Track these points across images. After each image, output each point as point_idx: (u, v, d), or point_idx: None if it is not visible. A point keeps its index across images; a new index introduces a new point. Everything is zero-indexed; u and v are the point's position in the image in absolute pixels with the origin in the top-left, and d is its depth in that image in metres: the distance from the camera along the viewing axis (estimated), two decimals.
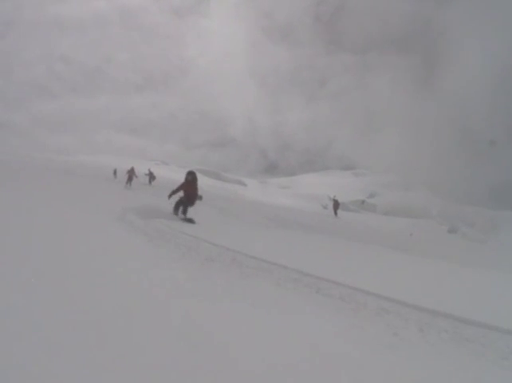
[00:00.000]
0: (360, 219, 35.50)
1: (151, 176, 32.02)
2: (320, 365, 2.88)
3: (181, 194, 12.87)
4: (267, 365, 2.80)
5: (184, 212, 12.64)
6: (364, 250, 11.16)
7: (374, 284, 5.57)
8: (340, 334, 3.61)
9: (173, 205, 12.96)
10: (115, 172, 31.52)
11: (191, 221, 12.10)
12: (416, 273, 7.66)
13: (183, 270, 5.47)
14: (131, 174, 27.49)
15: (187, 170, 13.70)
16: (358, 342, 3.43)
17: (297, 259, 7.35)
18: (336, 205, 33.24)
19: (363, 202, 48.93)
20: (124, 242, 7.25)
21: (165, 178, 40.37)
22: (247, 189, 51.59)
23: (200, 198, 20.71)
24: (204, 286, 4.79)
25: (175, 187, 13.09)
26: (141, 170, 33.39)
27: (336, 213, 32.78)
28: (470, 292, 6.16)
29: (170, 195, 12.97)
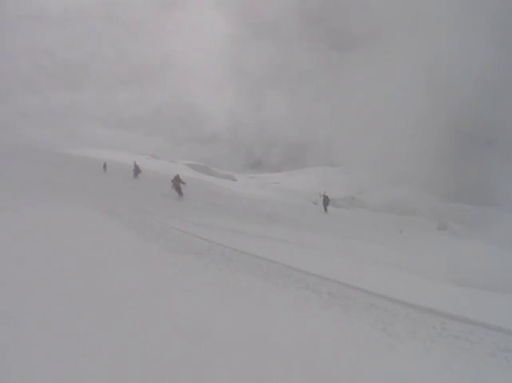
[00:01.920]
0: (350, 215, 35.63)
1: (137, 170, 30.57)
2: (308, 360, 2.87)
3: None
4: (256, 358, 2.79)
5: None
6: (353, 246, 11.21)
7: (363, 280, 5.58)
8: (329, 330, 3.61)
9: None
10: (104, 166, 31.16)
11: None
12: (405, 269, 7.71)
13: (173, 265, 5.44)
14: (177, 183, 20.63)
15: None
16: (347, 338, 3.43)
17: (286, 254, 7.35)
18: (326, 201, 33.24)
19: (352, 198, 49.08)
20: (115, 236, 7.19)
21: (160, 173, 40.11)
22: (238, 184, 51.53)
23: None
24: (194, 281, 4.76)
25: None
26: (132, 164, 32.57)
27: (325, 209, 32.80)
28: (456, 288, 6.21)
29: None
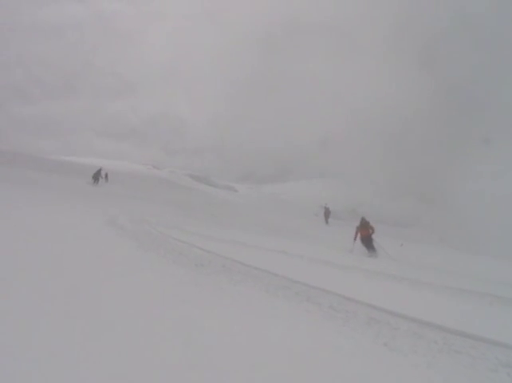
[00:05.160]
0: (351, 227, 35.55)
1: (97, 175, 28.01)
2: (308, 374, 2.85)
3: None
4: (255, 370, 2.77)
5: None
6: (354, 259, 11.17)
7: (364, 293, 5.55)
8: (330, 343, 3.58)
9: None
10: (106, 175, 31.26)
11: None
12: (405, 283, 7.66)
13: (173, 276, 5.42)
14: (365, 232, 14.54)
15: None
16: (348, 352, 3.41)
17: (288, 266, 7.33)
18: (328, 213, 33.25)
19: (353, 210, 49.10)
20: (115, 245, 7.18)
21: (171, 182, 40.20)
22: (239, 195, 51.57)
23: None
24: (194, 292, 4.75)
25: None
26: (132, 173, 32.59)
27: (327, 221, 32.78)
28: (458, 303, 6.17)
29: None
